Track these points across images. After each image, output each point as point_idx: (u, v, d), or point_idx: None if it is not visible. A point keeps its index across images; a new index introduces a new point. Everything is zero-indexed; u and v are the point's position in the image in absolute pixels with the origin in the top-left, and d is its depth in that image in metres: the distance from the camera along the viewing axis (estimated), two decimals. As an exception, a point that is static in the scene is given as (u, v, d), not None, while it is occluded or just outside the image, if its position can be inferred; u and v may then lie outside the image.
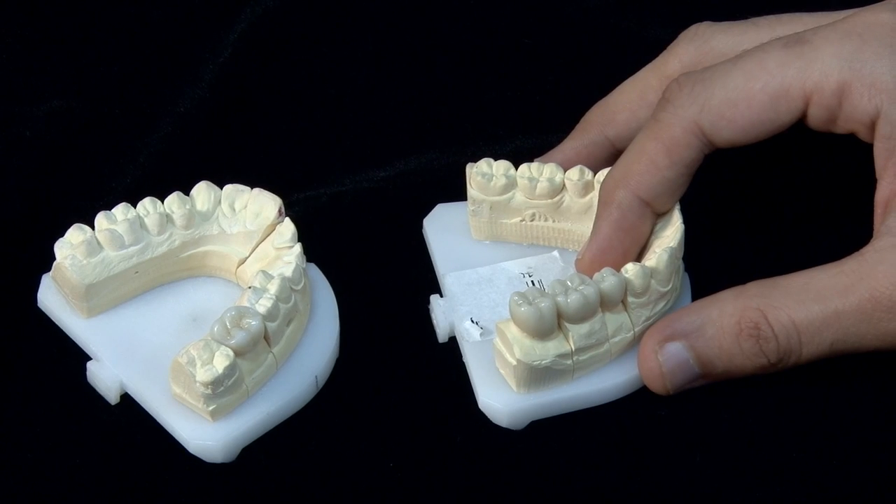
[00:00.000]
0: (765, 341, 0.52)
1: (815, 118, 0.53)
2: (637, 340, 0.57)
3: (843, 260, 0.52)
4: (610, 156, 0.61)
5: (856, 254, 0.52)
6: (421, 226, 0.64)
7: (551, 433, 0.56)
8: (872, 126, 0.53)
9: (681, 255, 0.58)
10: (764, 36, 0.58)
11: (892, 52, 0.52)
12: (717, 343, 0.53)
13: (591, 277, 0.55)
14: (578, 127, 0.63)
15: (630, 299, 0.56)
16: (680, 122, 0.54)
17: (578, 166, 0.61)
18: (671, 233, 0.58)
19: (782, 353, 0.52)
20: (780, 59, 0.53)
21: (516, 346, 0.55)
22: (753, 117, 0.54)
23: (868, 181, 0.56)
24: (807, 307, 0.51)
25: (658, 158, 0.55)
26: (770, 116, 0.54)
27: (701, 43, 0.60)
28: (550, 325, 0.54)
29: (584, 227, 0.60)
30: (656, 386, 0.54)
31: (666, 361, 0.54)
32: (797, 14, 0.59)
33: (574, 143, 0.62)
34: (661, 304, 0.57)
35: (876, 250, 0.51)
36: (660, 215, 0.58)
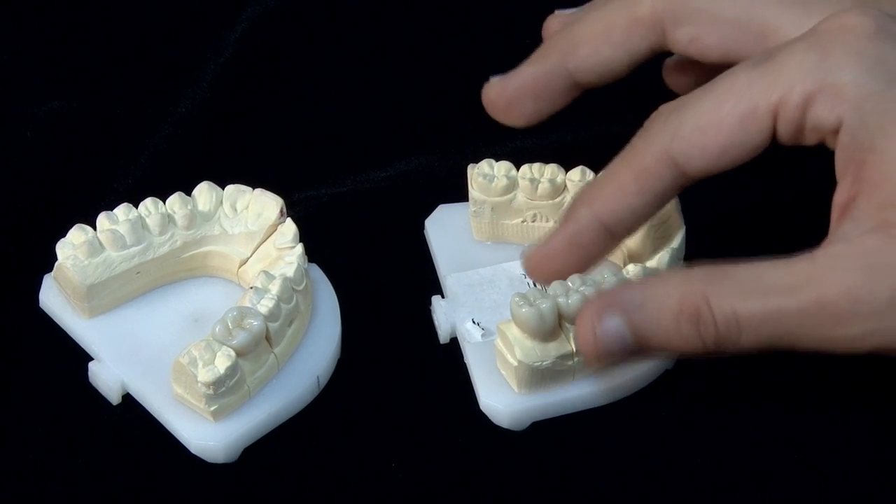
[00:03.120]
0: (704, 327, 0.51)
1: (784, 133, 0.53)
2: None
3: (794, 259, 0.51)
4: (567, 88, 0.60)
5: (807, 254, 0.51)
6: (422, 226, 0.64)
7: (553, 434, 0.56)
8: (836, 131, 0.52)
9: (682, 256, 0.58)
10: None
11: (856, 60, 0.51)
12: (655, 321, 0.52)
13: (534, 281, 0.55)
14: (538, 52, 0.61)
15: (630, 300, 0.56)
16: (651, 151, 0.54)
17: (579, 167, 0.61)
18: (672, 234, 0.58)
19: (720, 341, 0.51)
20: (747, 80, 0.52)
21: (517, 347, 0.55)
22: (724, 142, 0.53)
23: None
24: (751, 300, 0.51)
25: (627, 184, 0.54)
26: (741, 138, 0.53)
27: None
28: (551, 325, 0.54)
29: (585, 228, 0.61)
30: (589, 356, 0.53)
31: (602, 333, 0.52)
32: None
33: (533, 68, 0.60)
34: (663, 305, 0.57)
35: (828, 255, 0.50)
36: (656, 224, 0.58)
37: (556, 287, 0.55)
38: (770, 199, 0.65)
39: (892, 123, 0.50)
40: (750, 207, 0.65)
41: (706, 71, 0.58)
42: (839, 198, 0.52)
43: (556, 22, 0.62)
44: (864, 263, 0.49)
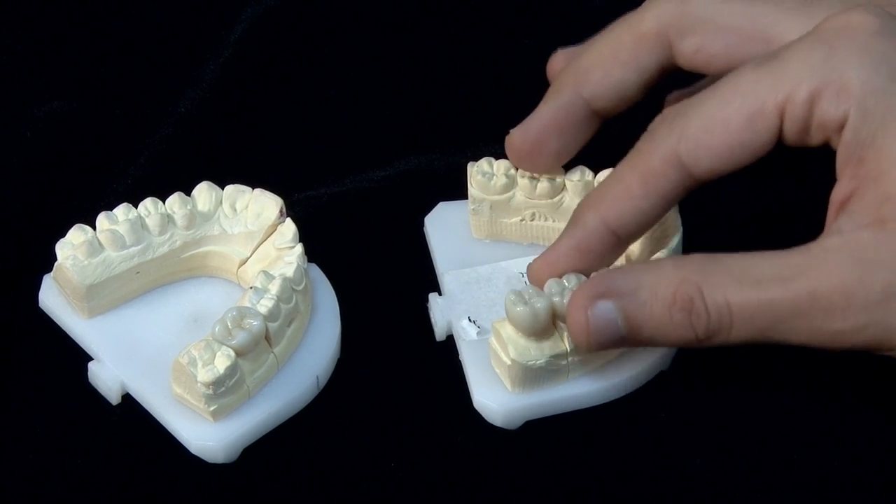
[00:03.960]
0: (696, 316, 0.51)
1: (790, 131, 0.53)
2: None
3: (789, 251, 0.51)
4: (585, 117, 0.60)
5: (802, 247, 0.51)
6: (422, 225, 0.64)
7: (546, 433, 0.56)
8: (842, 128, 0.52)
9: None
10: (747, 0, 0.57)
11: (862, 57, 0.51)
12: (648, 309, 0.52)
13: (542, 287, 0.55)
14: (552, 89, 0.61)
15: (626, 300, 0.56)
16: (658, 152, 0.54)
17: (579, 167, 0.61)
18: (669, 235, 0.58)
19: (711, 331, 0.51)
20: (753, 79, 0.52)
21: (511, 345, 0.55)
22: (732, 141, 0.53)
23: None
24: (744, 291, 0.51)
25: (633, 187, 0.54)
26: (748, 137, 0.53)
27: (680, 2, 0.58)
28: (545, 324, 0.54)
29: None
30: (580, 341, 0.53)
31: (594, 318, 0.52)
32: None
33: (549, 106, 0.60)
34: (659, 306, 0.57)
35: (823, 248, 0.51)
36: (654, 226, 0.58)
37: (551, 285, 0.55)
38: (768, 201, 0.65)
39: (893, 121, 0.50)
40: (748, 209, 0.65)
41: None
42: (837, 194, 0.52)
43: (559, 59, 0.63)
44: (858, 257, 0.49)
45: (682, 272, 0.52)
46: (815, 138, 0.53)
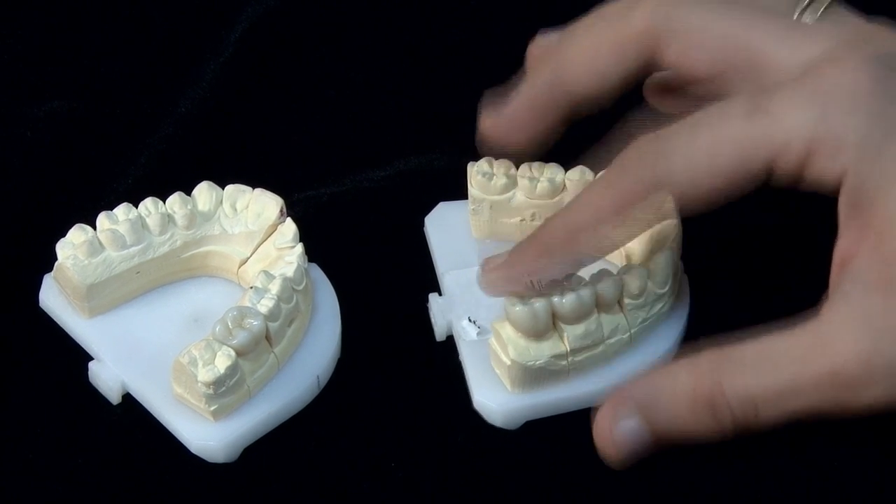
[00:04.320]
0: (721, 413, 0.51)
1: (779, 182, 0.53)
2: (633, 342, 0.57)
3: (798, 328, 0.51)
4: (561, 103, 0.60)
5: (812, 320, 0.51)
6: (423, 225, 0.64)
7: (546, 433, 0.56)
8: (838, 184, 0.52)
9: (678, 257, 0.58)
10: (737, 14, 0.57)
11: (857, 110, 0.51)
12: (671, 415, 0.52)
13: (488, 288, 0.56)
14: (530, 74, 0.61)
15: (626, 301, 0.56)
16: (639, 188, 0.54)
17: (579, 167, 0.61)
18: (669, 234, 0.58)
19: (738, 424, 0.52)
20: (744, 127, 0.52)
21: (511, 346, 0.55)
22: (717, 192, 0.52)
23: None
24: (762, 378, 0.51)
25: (605, 209, 0.54)
26: (734, 188, 0.53)
27: (670, 9, 0.58)
28: (545, 324, 0.54)
29: (584, 228, 0.61)
30: (612, 460, 0.54)
31: (620, 435, 0.53)
32: None
33: (528, 94, 0.60)
34: (658, 306, 0.57)
35: (833, 319, 0.50)
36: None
37: (550, 286, 0.55)
38: (771, 200, 0.65)
39: (894, 180, 0.50)
40: (750, 208, 0.65)
41: (687, 90, 0.58)
42: (840, 250, 0.52)
43: (540, 44, 0.62)
44: (872, 326, 0.49)
45: (698, 371, 0.52)
46: (805, 188, 0.53)
